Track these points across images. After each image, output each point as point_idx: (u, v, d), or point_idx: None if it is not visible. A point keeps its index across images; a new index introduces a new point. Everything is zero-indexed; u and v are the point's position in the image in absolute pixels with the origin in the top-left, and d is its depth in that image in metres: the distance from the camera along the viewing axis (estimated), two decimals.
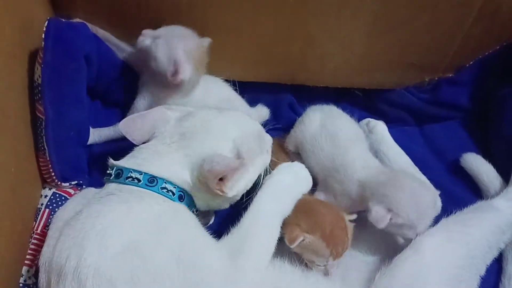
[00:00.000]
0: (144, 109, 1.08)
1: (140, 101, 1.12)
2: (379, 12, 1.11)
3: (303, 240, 0.88)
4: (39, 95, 0.96)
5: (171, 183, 0.87)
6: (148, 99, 1.11)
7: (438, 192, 0.96)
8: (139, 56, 1.11)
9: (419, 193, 0.93)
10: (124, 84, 1.17)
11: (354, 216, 0.93)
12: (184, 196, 0.89)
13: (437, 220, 1.01)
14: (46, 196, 1.00)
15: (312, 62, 1.23)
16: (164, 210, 0.83)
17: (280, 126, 1.25)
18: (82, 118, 1.07)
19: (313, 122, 1.11)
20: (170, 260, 0.76)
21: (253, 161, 0.93)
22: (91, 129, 1.12)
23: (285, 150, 1.16)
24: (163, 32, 1.04)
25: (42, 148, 0.98)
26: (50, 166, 1.00)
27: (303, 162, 1.05)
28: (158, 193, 0.85)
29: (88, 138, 1.11)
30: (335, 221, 0.90)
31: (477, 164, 1.15)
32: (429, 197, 0.94)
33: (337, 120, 1.11)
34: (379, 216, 0.90)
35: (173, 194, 0.87)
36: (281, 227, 0.89)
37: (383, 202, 0.91)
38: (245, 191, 0.94)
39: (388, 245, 1.00)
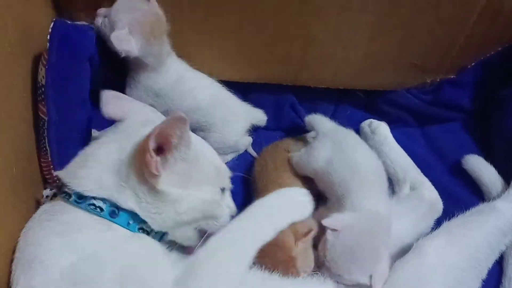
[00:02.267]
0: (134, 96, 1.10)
1: (127, 90, 1.13)
2: (381, 13, 1.11)
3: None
4: (42, 96, 0.96)
5: (100, 198, 0.80)
6: (133, 85, 1.12)
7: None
8: None
9: (362, 254, 0.86)
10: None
11: (309, 237, 0.88)
12: (117, 212, 0.81)
13: (439, 223, 1.01)
14: (47, 196, 1.00)
15: (313, 63, 1.23)
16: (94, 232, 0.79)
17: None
18: (85, 119, 1.07)
19: (324, 149, 1.05)
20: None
21: (203, 176, 0.86)
22: (96, 133, 1.12)
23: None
24: (108, 10, 1.04)
25: (44, 149, 0.98)
26: (52, 167, 0.99)
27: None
28: (86, 210, 0.80)
29: (90, 139, 1.11)
30: (276, 256, 0.86)
31: (479, 166, 1.15)
32: (362, 268, 0.87)
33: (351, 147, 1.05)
34: (338, 219, 0.88)
35: (101, 210, 0.80)
36: None
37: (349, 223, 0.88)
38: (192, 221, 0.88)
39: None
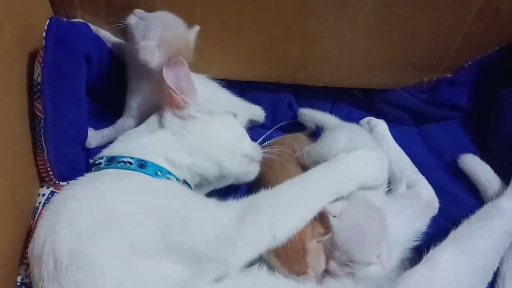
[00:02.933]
0: (137, 104, 1.09)
1: (128, 97, 1.11)
2: (379, 12, 1.11)
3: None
4: (39, 94, 0.96)
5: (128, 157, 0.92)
6: (136, 95, 1.10)
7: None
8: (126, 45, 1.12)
9: (367, 236, 0.88)
10: (123, 84, 1.17)
11: (324, 238, 0.88)
12: (145, 164, 0.91)
13: (436, 222, 1.03)
14: (44, 194, 1.00)
15: (311, 62, 1.23)
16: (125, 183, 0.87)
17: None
18: (81, 117, 1.07)
19: (340, 140, 1.07)
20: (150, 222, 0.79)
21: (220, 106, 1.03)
22: (93, 132, 1.12)
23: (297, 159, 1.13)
24: (148, 15, 1.04)
25: (41, 147, 0.98)
26: (48, 165, 0.99)
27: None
28: (116, 168, 0.90)
29: (87, 137, 1.11)
30: (292, 244, 0.86)
31: (475, 165, 1.15)
32: (369, 249, 0.88)
33: (362, 143, 1.08)
34: (338, 205, 0.90)
35: (131, 164, 0.90)
36: None
37: (350, 206, 0.90)
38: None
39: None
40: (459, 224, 0.96)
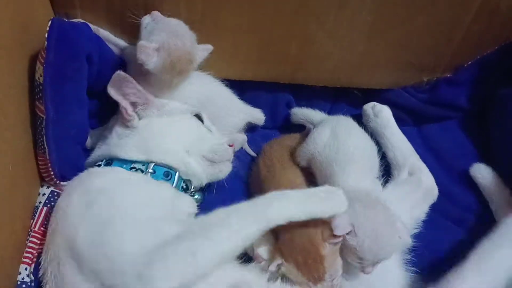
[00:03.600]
0: None
1: None
2: (378, 11, 1.11)
3: (281, 264, 0.89)
4: (40, 94, 0.96)
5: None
6: None
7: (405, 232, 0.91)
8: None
9: (382, 230, 0.88)
10: None
11: (336, 240, 0.88)
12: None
13: (437, 221, 1.03)
14: (44, 194, 1.00)
15: (310, 62, 1.23)
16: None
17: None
18: (83, 118, 1.08)
19: (324, 134, 1.09)
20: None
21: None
22: (91, 131, 1.12)
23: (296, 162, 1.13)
24: (164, 20, 1.05)
25: (42, 147, 0.98)
26: (49, 165, 0.99)
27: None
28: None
29: (87, 137, 1.11)
30: (307, 251, 0.87)
31: (486, 175, 1.15)
32: (390, 238, 0.89)
33: (345, 132, 1.08)
34: (341, 223, 0.87)
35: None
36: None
37: (350, 216, 0.89)
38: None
39: None
40: (471, 233, 0.99)
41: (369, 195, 0.94)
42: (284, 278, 0.91)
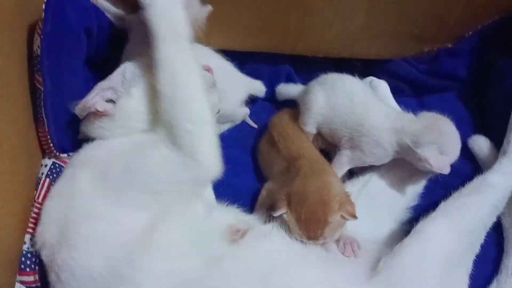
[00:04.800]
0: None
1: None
2: None
3: (284, 213, 0.91)
4: (38, 66, 0.96)
5: None
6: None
7: None
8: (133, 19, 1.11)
9: (454, 130, 1.01)
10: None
11: (350, 218, 0.90)
12: None
13: (434, 193, 1.04)
14: (46, 165, 1.00)
15: (311, 32, 1.23)
16: None
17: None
18: (81, 90, 1.06)
19: (319, 96, 1.10)
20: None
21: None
22: None
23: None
24: None
25: (41, 119, 0.98)
26: (48, 137, 0.99)
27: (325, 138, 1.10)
28: None
29: None
30: (315, 211, 0.89)
31: (484, 148, 1.16)
32: (456, 129, 1.02)
33: (340, 83, 1.11)
34: (441, 163, 0.96)
35: None
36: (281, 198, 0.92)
37: (433, 148, 0.96)
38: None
39: (387, 223, 1.04)
40: (448, 196, 0.97)
41: (426, 118, 1.02)
42: (282, 223, 0.94)
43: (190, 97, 0.89)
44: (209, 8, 1.08)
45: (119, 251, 0.81)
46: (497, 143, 1.12)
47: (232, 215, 0.95)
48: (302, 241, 0.91)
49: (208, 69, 1.02)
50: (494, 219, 0.98)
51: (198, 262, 0.82)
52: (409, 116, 1.04)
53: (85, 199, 0.86)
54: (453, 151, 0.99)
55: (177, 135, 0.86)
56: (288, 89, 1.27)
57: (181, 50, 0.90)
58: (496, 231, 1.02)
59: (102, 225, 0.84)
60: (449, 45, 1.28)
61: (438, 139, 0.97)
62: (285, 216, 0.92)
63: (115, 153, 0.92)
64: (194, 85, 0.89)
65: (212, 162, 0.87)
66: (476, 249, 0.95)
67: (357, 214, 0.89)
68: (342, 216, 0.89)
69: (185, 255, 0.83)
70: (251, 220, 0.96)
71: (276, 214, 0.92)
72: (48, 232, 0.86)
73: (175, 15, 0.92)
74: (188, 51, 0.91)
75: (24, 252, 0.91)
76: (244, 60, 1.25)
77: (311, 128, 1.12)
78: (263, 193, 1.07)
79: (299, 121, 1.14)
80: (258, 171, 1.18)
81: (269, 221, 0.95)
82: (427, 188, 1.10)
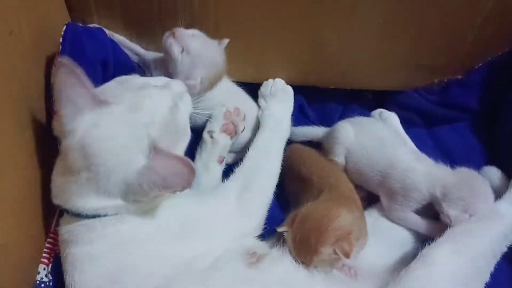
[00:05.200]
0: None
1: None
2: (389, 13, 1.12)
3: (285, 231, 0.92)
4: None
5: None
6: None
7: None
8: (153, 58, 1.14)
9: (488, 191, 1.00)
10: None
11: (343, 259, 0.87)
12: None
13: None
14: None
15: (322, 64, 1.24)
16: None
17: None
18: None
19: (349, 131, 1.13)
20: None
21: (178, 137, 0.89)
22: None
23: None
24: (192, 48, 1.05)
25: (57, 149, 0.99)
26: None
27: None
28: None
29: None
30: (308, 238, 0.88)
31: (496, 178, 1.14)
32: (491, 191, 1.01)
33: (369, 124, 1.15)
34: (459, 219, 0.95)
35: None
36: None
37: (459, 205, 0.97)
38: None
39: (398, 251, 1.02)
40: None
41: (460, 173, 1.02)
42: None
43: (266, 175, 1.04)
44: (226, 41, 1.11)
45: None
46: (509, 173, 1.12)
47: (249, 239, 0.97)
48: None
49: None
50: (505, 249, 0.96)
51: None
52: (445, 167, 1.05)
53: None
54: (478, 211, 0.97)
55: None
56: (304, 131, 1.26)
57: (276, 141, 1.10)
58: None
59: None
60: (460, 76, 1.28)
61: (468, 198, 0.97)
62: (285, 233, 0.92)
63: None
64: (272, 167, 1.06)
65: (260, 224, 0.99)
66: (485, 276, 0.93)
67: (351, 256, 0.86)
68: (334, 251, 0.87)
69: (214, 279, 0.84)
70: (267, 245, 0.97)
71: (279, 229, 0.93)
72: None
73: (284, 123, 1.16)
74: (281, 145, 1.11)
75: (37, 282, 0.91)
76: (255, 91, 1.26)
77: (341, 159, 1.13)
78: None
79: (328, 154, 1.15)
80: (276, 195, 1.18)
81: (281, 245, 0.95)
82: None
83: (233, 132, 1.14)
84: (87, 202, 0.79)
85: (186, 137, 0.91)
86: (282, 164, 1.10)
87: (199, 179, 1.10)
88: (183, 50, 1.05)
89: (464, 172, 1.03)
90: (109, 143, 0.78)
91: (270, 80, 1.22)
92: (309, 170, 1.09)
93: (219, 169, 1.14)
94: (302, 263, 0.89)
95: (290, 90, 1.22)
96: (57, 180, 0.83)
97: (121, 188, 0.78)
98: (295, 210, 0.95)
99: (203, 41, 1.08)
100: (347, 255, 0.86)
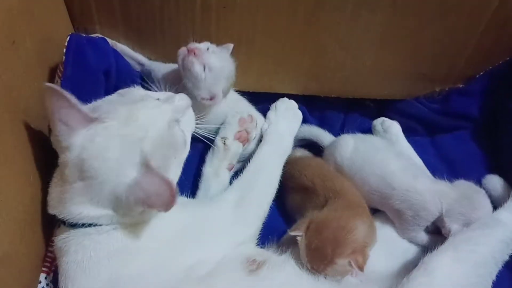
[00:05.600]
0: None
1: None
2: (389, 23, 1.13)
3: (299, 236, 0.92)
4: None
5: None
6: None
7: None
8: (163, 72, 1.14)
9: (487, 204, 1.01)
10: None
11: (356, 270, 0.89)
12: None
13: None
14: None
15: (323, 73, 1.24)
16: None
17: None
18: None
19: (349, 144, 1.15)
20: None
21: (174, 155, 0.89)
22: None
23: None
24: (213, 64, 1.05)
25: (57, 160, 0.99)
26: None
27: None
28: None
29: None
30: (326, 248, 0.88)
31: (498, 187, 1.15)
32: (489, 203, 1.02)
33: (367, 141, 1.16)
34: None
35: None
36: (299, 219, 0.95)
37: (460, 220, 0.99)
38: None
39: (401, 258, 1.02)
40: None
41: (462, 188, 1.04)
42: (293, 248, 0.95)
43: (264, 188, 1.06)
44: (231, 46, 1.11)
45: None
46: (510, 181, 1.12)
47: (249, 246, 0.98)
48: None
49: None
50: (507, 257, 0.96)
51: None
52: (444, 182, 1.05)
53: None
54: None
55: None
56: (302, 130, 1.28)
57: (277, 157, 1.12)
58: None
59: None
60: (460, 85, 1.28)
61: (469, 213, 0.99)
62: (298, 238, 0.92)
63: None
64: (270, 182, 1.08)
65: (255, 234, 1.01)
66: (487, 285, 0.93)
67: (364, 269, 0.88)
68: (349, 263, 0.88)
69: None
70: (267, 252, 0.97)
71: (292, 233, 0.92)
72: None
73: (287, 140, 1.18)
74: (281, 161, 1.12)
75: None
76: (256, 100, 1.26)
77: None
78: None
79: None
80: (275, 203, 1.17)
81: (283, 252, 0.96)
82: None
83: (246, 140, 1.15)
84: (82, 210, 0.80)
85: (183, 152, 0.91)
86: (282, 175, 1.11)
87: (208, 185, 1.13)
88: (204, 67, 1.04)
89: (464, 186, 1.04)
90: (103, 156, 0.79)
91: (286, 98, 1.24)
92: (311, 179, 1.09)
93: (228, 176, 1.15)
94: (313, 269, 0.90)
95: (300, 114, 1.24)
96: (55, 190, 0.84)
97: (112, 200, 0.79)
98: (305, 216, 0.96)
99: (219, 55, 1.07)
100: (362, 268, 0.87)
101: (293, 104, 1.23)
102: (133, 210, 0.79)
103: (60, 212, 0.82)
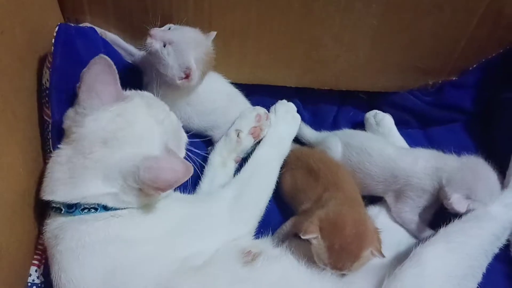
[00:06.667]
0: None
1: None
2: (384, 15, 1.12)
3: (314, 237, 0.90)
4: (47, 98, 0.97)
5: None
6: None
7: None
8: (145, 57, 1.12)
9: (492, 179, 1.00)
10: (131, 87, 1.18)
11: (379, 256, 0.90)
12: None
13: (438, 224, 1.02)
14: None
15: (317, 65, 1.24)
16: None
17: None
18: None
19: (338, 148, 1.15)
20: None
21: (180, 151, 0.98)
22: None
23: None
24: (173, 38, 1.03)
25: (49, 150, 0.99)
26: None
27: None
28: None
29: None
30: (351, 244, 0.88)
31: None
32: (496, 179, 1.01)
33: (356, 135, 1.17)
34: (460, 205, 0.97)
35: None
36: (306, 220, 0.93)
37: (463, 190, 0.98)
38: None
39: (394, 250, 1.02)
40: (449, 223, 0.97)
41: (466, 160, 1.04)
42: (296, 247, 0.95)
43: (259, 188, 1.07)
44: (213, 34, 1.10)
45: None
46: (502, 174, 1.12)
47: (244, 238, 0.98)
48: (323, 267, 0.91)
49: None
50: (497, 250, 0.98)
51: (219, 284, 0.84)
52: (446, 155, 1.07)
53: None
54: (481, 199, 0.98)
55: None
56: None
57: (276, 159, 1.13)
58: (506, 263, 1.02)
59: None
60: (454, 78, 1.29)
61: (471, 183, 0.98)
62: (314, 241, 0.90)
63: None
64: (267, 182, 1.09)
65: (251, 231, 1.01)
66: (478, 276, 0.94)
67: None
68: (371, 252, 0.88)
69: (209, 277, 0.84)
70: (262, 244, 0.98)
71: (306, 237, 0.90)
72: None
73: (286, 142, 1.18)
74: (279, 162, 1.13)
75: (29, 284, 0.90)
76: (250, 92, 1.26)
77: None
78: (288, 224, 1.07)
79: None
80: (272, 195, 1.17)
81: (280, 244, 0.98)
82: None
83: (258, 137, 1.15)
84: (89, 187, 0.82)
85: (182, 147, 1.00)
86: (286, 159, 1.14)
87: (214, 174, 1.14)
88: (164, 44, 1.03)
89: (469, 158, 1.04)
90: (131, 129, 0.86)
91: (285, 101, 1.23)
92: (316, 164, 1.10)
93: (233, 167, 1.16)
94: (335, 269, 0.89)
95: (298, 117, 1.24)
96: (58, 171, 0.84)
97: (125, 174, 0.82)
98: (301, 214, 0.98)
99: (181, 29, 1.06)
100: (381, 253, 0.89)
101: (292, 107, 1.23)
102: (142, 188, 0.82)
103: (60, 195, 0.82)
